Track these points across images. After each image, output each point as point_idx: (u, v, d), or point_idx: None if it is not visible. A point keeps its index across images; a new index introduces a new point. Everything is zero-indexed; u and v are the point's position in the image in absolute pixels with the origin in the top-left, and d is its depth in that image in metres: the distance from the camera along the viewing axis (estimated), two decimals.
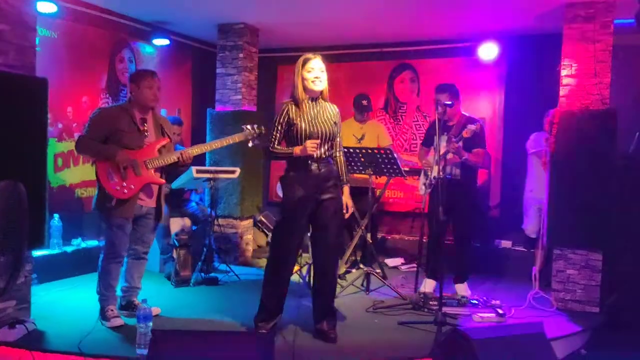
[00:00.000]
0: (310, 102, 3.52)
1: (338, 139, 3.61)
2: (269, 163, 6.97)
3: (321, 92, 3.53)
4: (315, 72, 3.45)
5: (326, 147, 3.51)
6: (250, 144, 4.18)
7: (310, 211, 3.48)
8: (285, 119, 3.51)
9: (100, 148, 3.69)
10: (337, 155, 3.63)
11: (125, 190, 3.67)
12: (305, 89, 3.49)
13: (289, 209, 3.50)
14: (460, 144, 4.28)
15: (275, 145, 3.53)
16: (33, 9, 3.66)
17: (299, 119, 3.47)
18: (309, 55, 3.50)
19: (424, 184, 4.60)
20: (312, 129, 3.45)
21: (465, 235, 4.63)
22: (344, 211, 3.59)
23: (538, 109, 5.36)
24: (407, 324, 3.86)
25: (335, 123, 3.55)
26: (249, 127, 4.16)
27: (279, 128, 3.52)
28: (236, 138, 4.13)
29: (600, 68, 4.35)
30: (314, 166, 3.47)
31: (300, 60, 3.50)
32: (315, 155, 3.44)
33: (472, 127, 4.25)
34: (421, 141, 5.10)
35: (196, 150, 3.97)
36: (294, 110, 3.50)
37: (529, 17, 5.15)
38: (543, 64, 5.65)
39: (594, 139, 4.28)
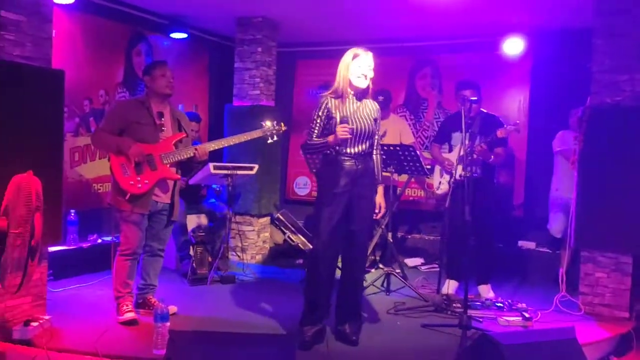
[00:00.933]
0: (352, 96, 3.41)
1: (377, 138, 3.51)
2: (285, 161, 6.89)
3: (365, 89, 3.42)
4: (363, 69, 3.36)
5: (365, 144, 3.41)
6: (269, 141, 4.11)
7: (345, 205, 3.36)
8: (325, 112, 3.40)
9: (114, 141, 3.62)
10: (375, 154, 3.52)
11: (139, 185, 3.60)
12: (350, 83, 3.38)
13: (324, 202, 3.38)
14: (485, 146, 4.18)
15: (314, 138, 3.43)
16: (50, 1, 3.59)
17: (338, 112, 3.36)
18: (360, 50, 3.39)
19: (448, 182, 4.47)
20: (351, 124, 3.33)
21: (487, 235, 4.50)
22: (377, 211, 3.48)
23: (564, 107, 5.20)
24: (431, 327, 3.74)
25: (375, 120, 3.43)
26: (268, 123, 4.09)
27: (318, 121, 3.42)
28: (254, 134, 4.05)
29: (633, 63, 4.18)
30: (350, 162, 3.36)
31: (350, 53, 3.40)
32: (351, 151, 3.34)
33: (510, 127, 4.15)
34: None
35: (213, 145, 3.90)
36: (333, 103, 3.39)
37: (557, 10, 4.99)
38: (571, 59, 5.48)
39: (626, 137, 4.12)
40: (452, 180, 4.34)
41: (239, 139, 4.01)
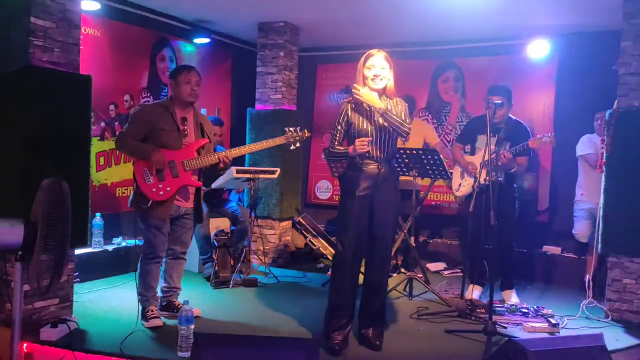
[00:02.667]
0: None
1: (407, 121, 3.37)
2: (307, 165, 6.90)
3: (384, 90, 3.37)
4: (375, 70, 3.31)
5: (388, 146, 3.36)
6: (292, 147, 4.11)
7: (368, 209, 3.34)
8: (345, 119, 3.39)
9: (137, 146, 3.64)
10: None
11: (161, 192, 3.62)
12: (366, 87, 3.36)
13: (347, 206, 3.36)
14: (510, 155, 4.17)
15: (336, 146, 3.42)
16: (78, 7, 3.65)
17: (356, 117, 3.35)
18: (372, 51, 3.36)
19: (472, 186, 4.41)
20: (368, 128, 3.31)
21: (509, 239, 4.44)
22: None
23: (590, 110, 5.12)
24: (455, 333, 3.70)
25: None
26: (291, 129, 4.08)
27: (339, 128, 3.41)
28: (277, 141, 4.05)
29: None
30: (373, 165, 3.34)
31: (363, 56, 3.37)
32: (373, 155, 3.31)
33: (546, 139, 4.09)
34: (456, 137, 4.91)
35: (236, 152, 3.90)
36: (353, 109, 3.37)
37: (583, 12, 4.91)
38: (596, 62, 5.40)
39: None
40: (477, 184, 4.29)
41: (262, 145, 4.01)
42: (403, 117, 3.36)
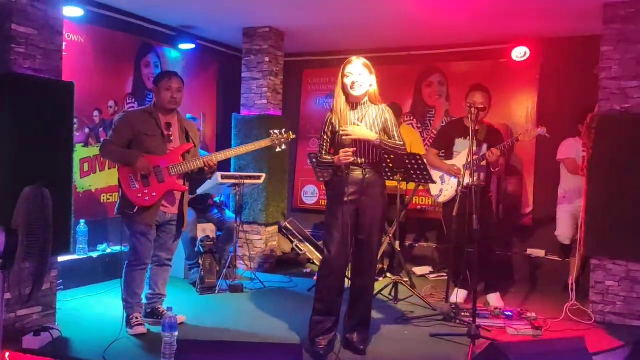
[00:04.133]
0: (352, 107, 3.38)
1: (397, 136, 3.37)
2: (293, 170, 6.92)
3: (366, 96, 3.38)
4: (352, 77, 3.30)
5: (373, 153, 3.36)
6: (277, 149, 4.11)
7: (354, 214, 3.34)
8: (330, 128, 3.41)
9: (122, 153, 3.64)
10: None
11: (147, 198, 3.61)
12: (347, 94, 3.37)
13: (333, 211, 3.37)
14: (499, 152, 4.21)
15: (324, 155, 3.44)
16: (60, 13, 3.64)
17: (340, 126, 3.34)
18: (350, 58, 3.35)
19: (455, 190, 4.43)
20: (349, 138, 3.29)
21: (490, 243, 4.46)
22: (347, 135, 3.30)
23: (572, 114, 5.18)
24: (439, 336, 3.72)
25: (382, 129, 3.36)
26: (276, 132, 4.09)
27: (325, 138, 3.43)
28: (262, 143, 4.05)
29: None
30: (358, 172, 3.35)
31: (343, 64, 3.37)
32: (358, 162, 3.32)
33: (540, 131, 4.17)
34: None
35: (221, 156, 3.90)
36: (337, 117, 3.37)
37: (563, 18, 4.98)
38: (577, 67, 5.48)
39: (635, 144, 4.10)
40: (460, 188, 4.30)
41: (247, 148, 4.02)
42: (391, 128, 3.37)
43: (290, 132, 4.13)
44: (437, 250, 6.13)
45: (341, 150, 3.28)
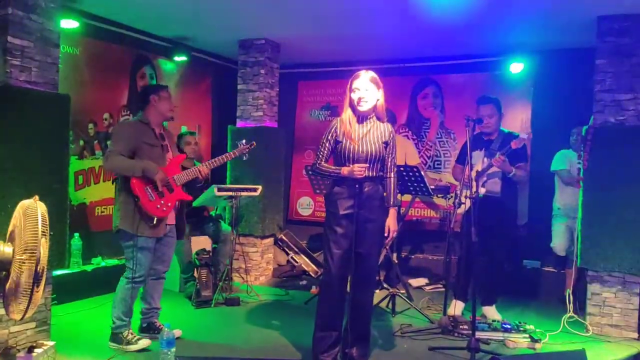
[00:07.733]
0: (359, 121, 3.36)
1: (390, 160, 3.42)
2: (288, 182, 6.89)
3: (374, 111, 3.37)
4: (359, 93, 3.30)
5: (374, 167, 3.35)
6: (244, 158, 4.30)
7: (353, 228, 3.31)
8: (333, 136, 3.37)
9: (136, 165, 3.53)
10: (389, 176, 3.42)
11: (164, 209, 3.62)
12: (353, 108, 3.36)
13: (332, 226, 3.33)
14: (503, 157, 4.15)
15: (322, 163, 3.40)
16: (56, 26, 3.61)
17: (345, 137, 3.33)
18: (359, 72, 3.34)
19: (461, 203, 4.39)
20: (358, 149, 3.29)
21: (498, 257, 4.45)
22: (385, 234, 3.42)
23: (566, 126, 5.21)
24: (439, 350, 3.70)
25: (385, 143, 3.36)
26: (243, 142, 4.29)
27: (327, 145, 3.39)
28: (232, 154, 4.21)
29: (636, 83, 4.20)
30: (358, 185, 3.32)
31: (351, 78, 3.36)
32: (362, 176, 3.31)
33: (523, 136, 4.14)
34: (456, 159, 4.93)
35: (203, 168, 3.91)
36: (342, 127, 3.35)
37: (558, 31, 5.02)
38: (572, 79, 5.51)
39: (630, 156, 4.12)
40: (457, 200, 4.27)
41: (222, 159, 4.08)
42: (391, 152, 3.41)
43: (254, 142, 4.32)
44: (433, 261, 6.10)
45: (356, 165, 3.25)
